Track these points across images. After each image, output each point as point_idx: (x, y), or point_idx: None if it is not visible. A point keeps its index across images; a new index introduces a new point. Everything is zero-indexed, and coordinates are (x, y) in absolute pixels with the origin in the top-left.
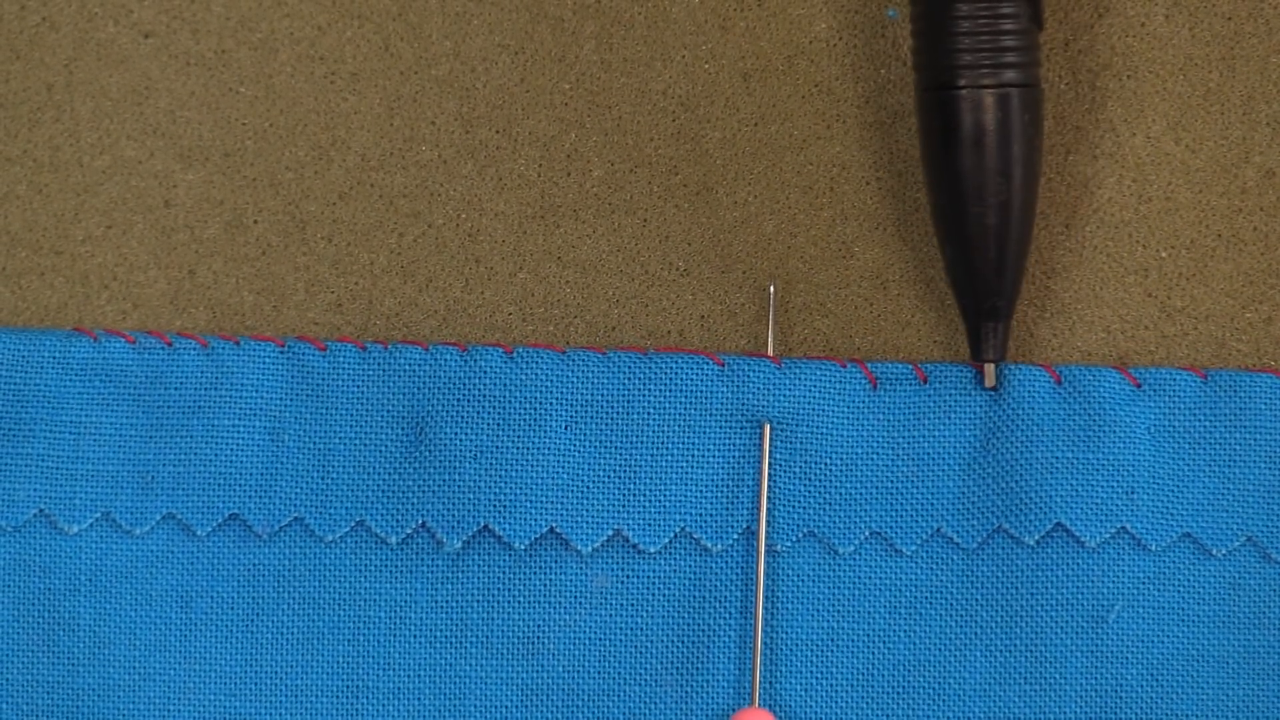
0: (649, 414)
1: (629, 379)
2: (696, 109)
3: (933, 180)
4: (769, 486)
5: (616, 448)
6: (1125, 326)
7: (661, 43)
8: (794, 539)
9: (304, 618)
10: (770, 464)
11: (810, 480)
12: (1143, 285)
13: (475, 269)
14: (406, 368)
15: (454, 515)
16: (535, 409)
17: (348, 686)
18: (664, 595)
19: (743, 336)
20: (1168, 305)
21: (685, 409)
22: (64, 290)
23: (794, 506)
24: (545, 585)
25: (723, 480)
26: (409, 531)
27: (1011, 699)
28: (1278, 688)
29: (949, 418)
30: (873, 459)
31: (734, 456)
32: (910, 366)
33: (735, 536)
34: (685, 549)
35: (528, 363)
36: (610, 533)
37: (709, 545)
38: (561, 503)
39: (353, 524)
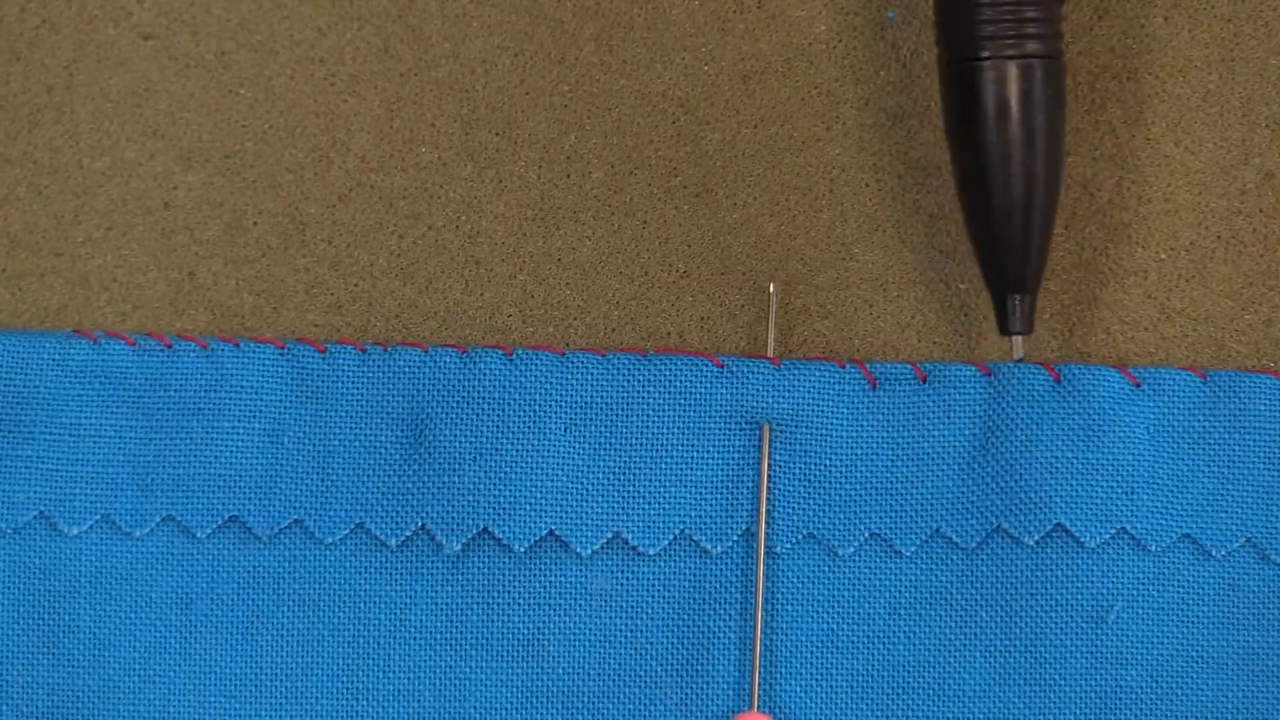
0: (648, 416)
1: (628, 381)
2: (696, 111)
3: (957, 152)
4: (768, 488)
5: (616, 449)
6: (1124, 328)
7: (661, 45)
8: (793, 540)
9: (303, 620)
10: (770, 465)
11: (810, 481)
12: (1142, 286)
13: (475, 271)
14: (406, 370)
15: (453, 517)
16: (535, 411)
17: (347, 689)
18: (663, 597)
19: (742, 338)
20: (1167, 307)
21: (685, 410)
22: (64, 292)
23: (793, 508)
24: (545, 587)
25: (722, 482)
26: (409, 534)
27: (1011, 700)
28: (1276, 688)
29: (948, 418)
30: (872, 460)
31: (733, 458)
32: (909, 367)
33: (735, 538)
34: (685, 551)
35: (527, 364)
36: (610, 535)
37: (708, 547)
38: (561, 505)
39: (352, 526)
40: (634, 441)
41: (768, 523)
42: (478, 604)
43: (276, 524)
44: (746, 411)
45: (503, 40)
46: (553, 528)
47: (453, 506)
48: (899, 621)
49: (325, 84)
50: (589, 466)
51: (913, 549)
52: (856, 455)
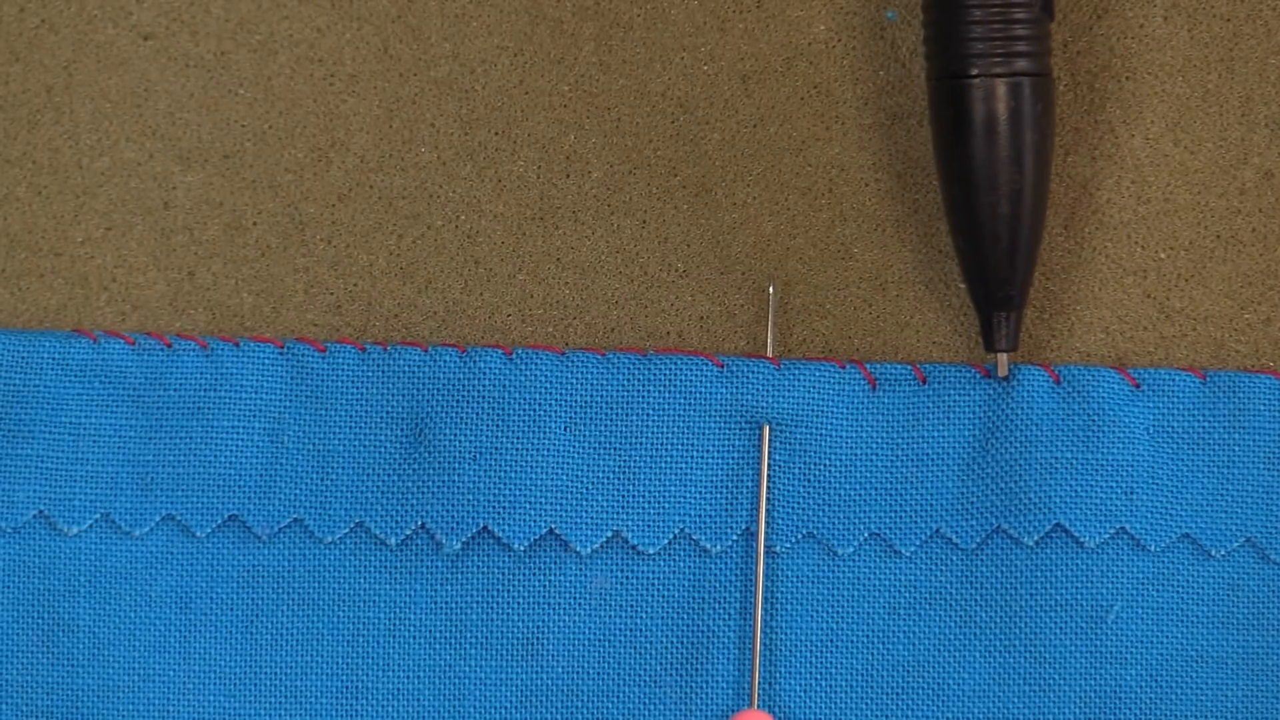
0: (648, 415)
1: (628, 380)
2: (695, 110)
3: (945, 170)
4: (768, 487)
5: (616, 449)
6: (1124, 327)
7: (660, 44)
8: (793, 540)
9: (303, 619)
10: (769, 465)
11: (809, 481)
12: (1141, 286)
13: (474, 270)
14: (406, 369)
15: (453, 516)
16: (534, 410)
17: (347, 687)
18: (663, 596)
19: (742, 338)
20: (1166, 306)
21: (684, 410)
22: (63, 292)
23: (793, 507)
24: (544, 586)
25: (722, 481)
26: (408, 533)
27: (1011, 699)
28: (1276, 688)
29: (948, 418)
30: (872, 460)
31: (733, 457)
32: (909, 367)
33: (734, 537)
34: (684, 550)
35: (527, 364)
36: (609, 534)
37: (708, 546)
38: (561, 504)
39: (352, 525)
40: (634, 441)
41: (767, 522)
42: (477, 603)
43: (276, 523)
44: (746, 411)
45: (502, 40)
46: (552, 526)
47: (452, 505)
48: (898, 621)
49: (324, 84)
50: (589, 466)
51: (912, 549)
52: (856, 455)
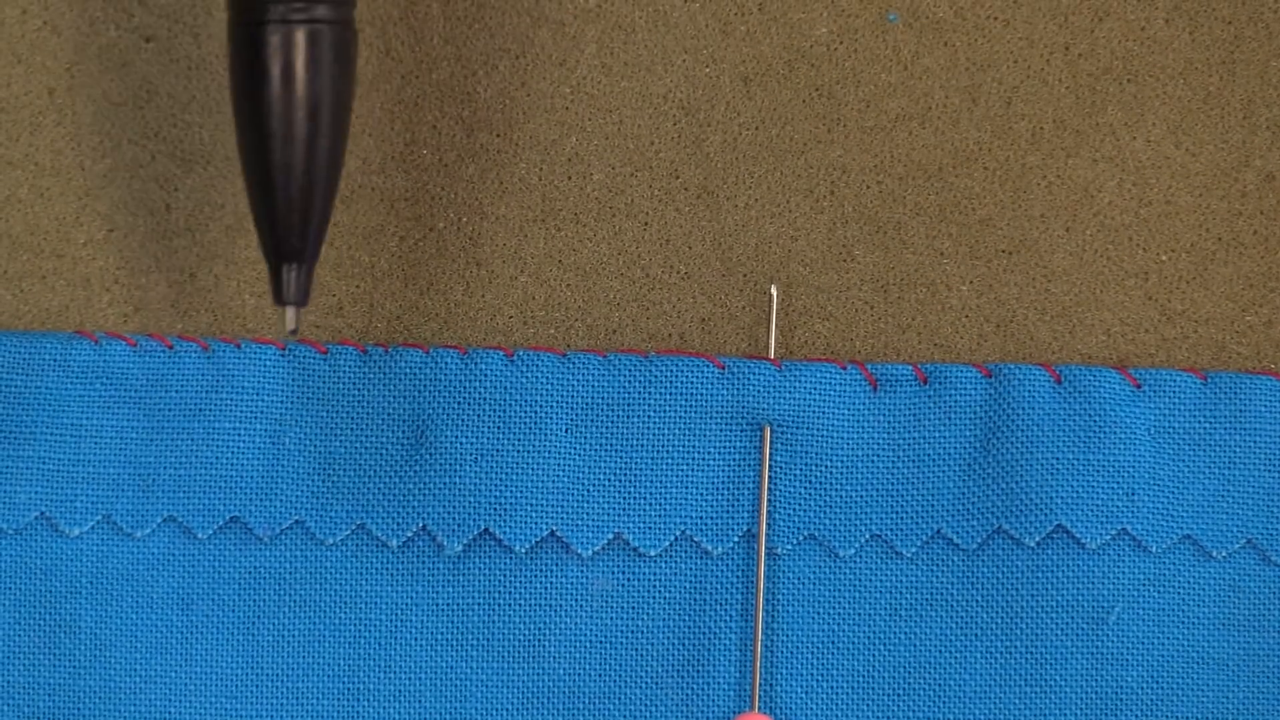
0: (649, 417)
1: (629, 382)
2: (697, 112)
3: (240, 117)
4: (769, 489)
5: (617, 450)
6: (1125, 329)
7: (662, 46)
8: (794, 541)
9: (304, 620)
10: (770, 466)
11: (810, 483)
12: (1143, 288)
13: (476, 272)
14: (407, 371)
15: (454, 518)
16: (536, 412)
17: (348, 689)
18: (664, 598)
19: (743, 339)
20: (1168, 308)
21: (686, 412)
22: (65, 293)
23: (794, 509)
24: (546, 588)
25: (723, 483)
26: (409, 534)
27: (1012, 701)
28: (1277, 690)
29: (949, 419)
30: (873, 461)
31: (734, 459)
32: (910, 368)
33: (735, 539)
34: (685, 552)
35: (528, 365)
36: (610, 535)
37: (709, 548)
38: (562, 505)
39: (353, 527)
40: (635, 442)
41: (768, 524)
42: (479, 604)
43: (277, 524)
44: (747, 413)
45: (504, 42)
46: (554, 528)
47: (454, 507)
48: (900, 622)
49: None
50: (590, 467)
51: (913, 550)
52: (857, 456)
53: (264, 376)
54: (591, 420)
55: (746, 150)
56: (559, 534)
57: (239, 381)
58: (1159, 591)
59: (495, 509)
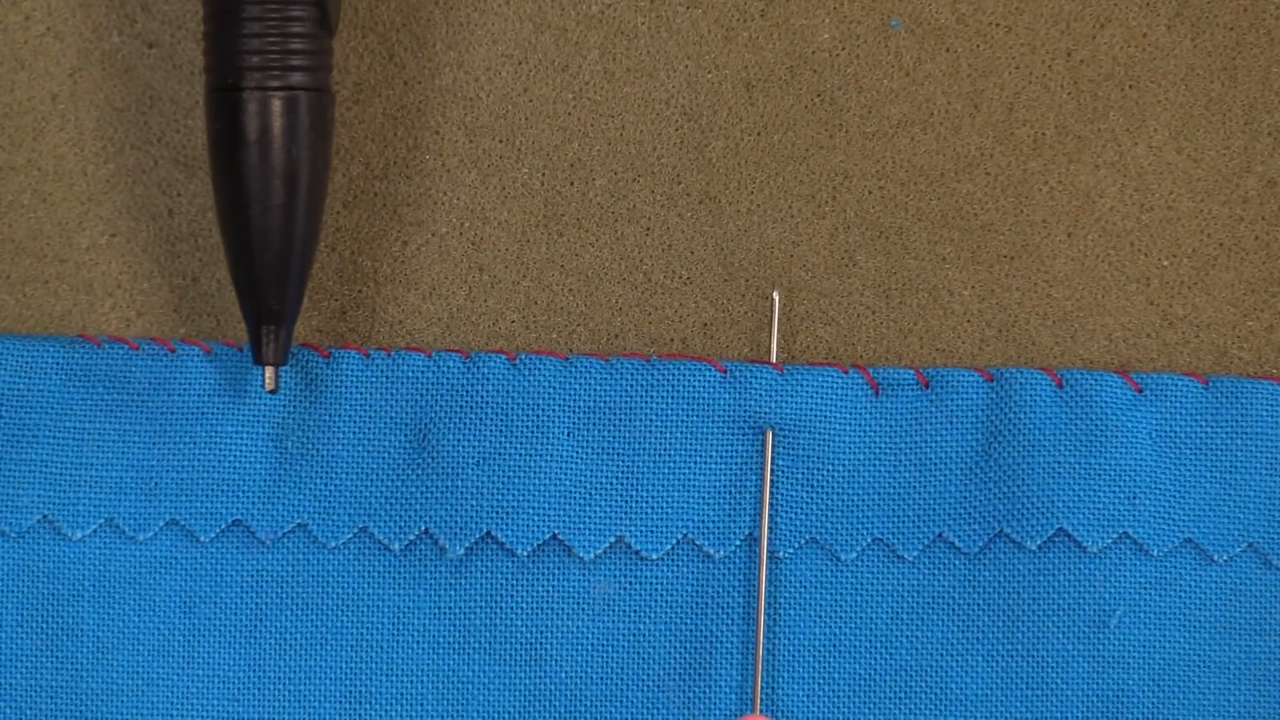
0: (651, 420)
1: (632, 386)
2: (700, 118)
3: (218, 182)
4: (771, 493)
5: (619, 454)
6: (1127, 334)
7: (665, 52)
8: (796, 545)
9: (307, 624)
10: (772, 470)
11: (812, 486)
12: (1144, 293)
13: (479, 277)
14: (410, 374)
15: (457, 521)
16: (538, 415)
17: (350, 693)
18: (666, 601)
19: (745, 344)
20: (1169, 313)
21: (688, 415)
22: (68, 298)
23: (796, 512)
24: (548, 591)
25: (725, 486)
26: (412, 538)
27: (1013, 704)
28: (1278, 693)
29: (951, 423)
30: (875, 465)
31: (736, 463)
32: (912, 372)
33: (737, 543)
34: (687, 555)
35: (530, 369)
36: (612, 539)
37: (711, 551)
38: (564, 509)
39: (356, 530)
40: (637, 446)
41: (770, 527)
42: (481, 607)
43: (280, 528)
44: (749, 416)
45: (506, 48)
46: (556, 531)
47: (456, 510)
48: (901, 626)
49: None
50: (592, 471)
51: (915, 553)
52: (859, 460)
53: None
54: (593, 424)
55: (749, 155)
56: (561, 537)
57: (241, 385)
58: (1160, 595)
59: (497, 512)
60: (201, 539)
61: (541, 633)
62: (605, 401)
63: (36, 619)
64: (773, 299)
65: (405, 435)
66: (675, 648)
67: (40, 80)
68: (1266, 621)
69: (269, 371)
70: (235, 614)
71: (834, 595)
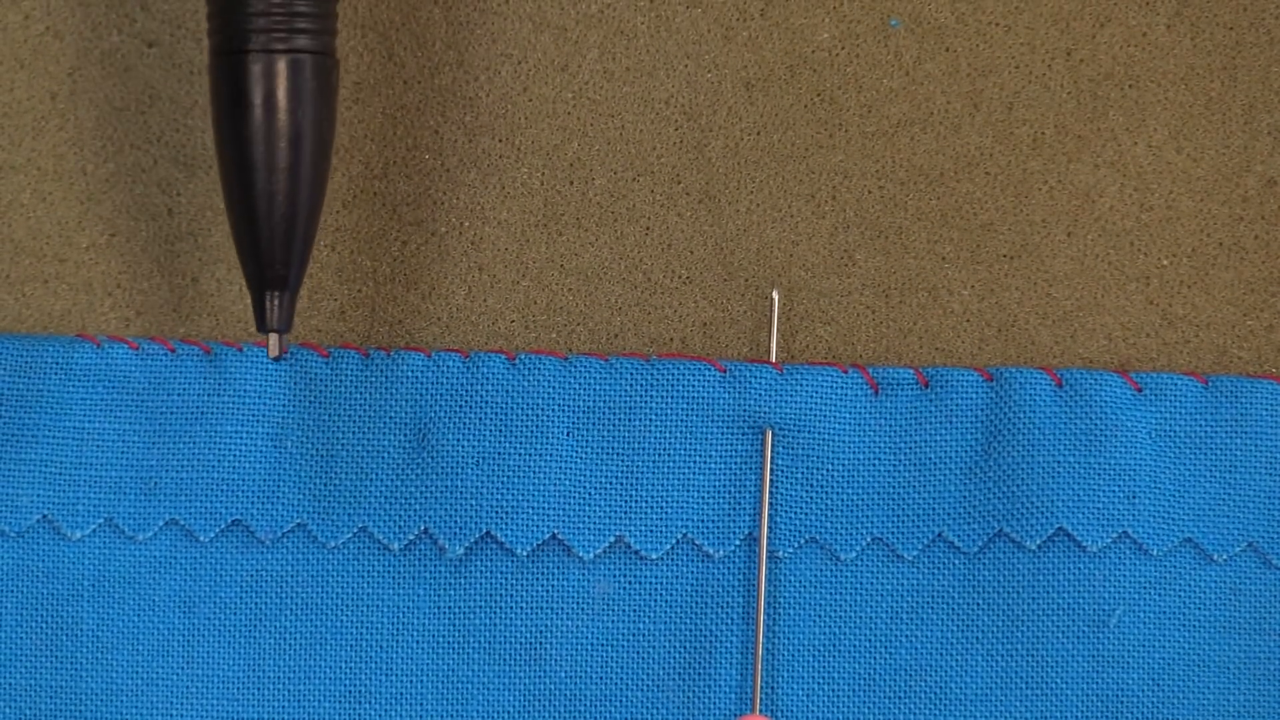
0: (651, 420)
1: (631, 385)
2: (699, 117)
3: (222, 146)
4: (770, 492)
5: (618, 454)
6: (1127, 334)
7: (664, 52)
8: (795, 545)
9: (306, 623)
10: (772, 470)
11: (812, 486)
12: (1144, 293)
13: (478, 276)
14: (409, 374)
15: (456, 521)
16: (537, 415)
17: (350, 692)
18: (666, 601)
19: (745, 344)
20: (1169, 313)
21: (687, 415)
22: (67, 297)
23: (795, 512)
24: (547, 591)
25: (724, 486)
26: (411, 537)
27: (1013, 704)
28: (1278, 693)
29: (950, 422)
30: (874, 464)
31: (736, 462)
32: (912, 372)
33: (737, 542)
34: (687, 555)
35: (530, 369)
36: (612, 539)
37: (711, 551)
38: (563, 509)
39: (355, 530)
40: (636, 446)
41: (770, 527)
42: (480, 607)
43: (279, 528)
44: (749, 416)
45: (506, 47)
46: (555, 531)
47: (455, 510)
48: (901, 625)
49: None
50: (592, 470)
51: (915, 553)
52: (859, 460)
53: (266, 380)
54: (593, 423)
55: (748, 155)
56: (560, 537)
57: (241, 385)
58: (1160, 594)
59: (497, 512)
60: (201, 539)
61: (541, 632)
62: (605, 401)
63: (36, 619)
64: (772, 299)
65: (404, 435)
66: (675, 647)
67: (39, 79)
68: (1266, 621)
69: (273, 338)
70: (235, 614)
71: (834, 595)
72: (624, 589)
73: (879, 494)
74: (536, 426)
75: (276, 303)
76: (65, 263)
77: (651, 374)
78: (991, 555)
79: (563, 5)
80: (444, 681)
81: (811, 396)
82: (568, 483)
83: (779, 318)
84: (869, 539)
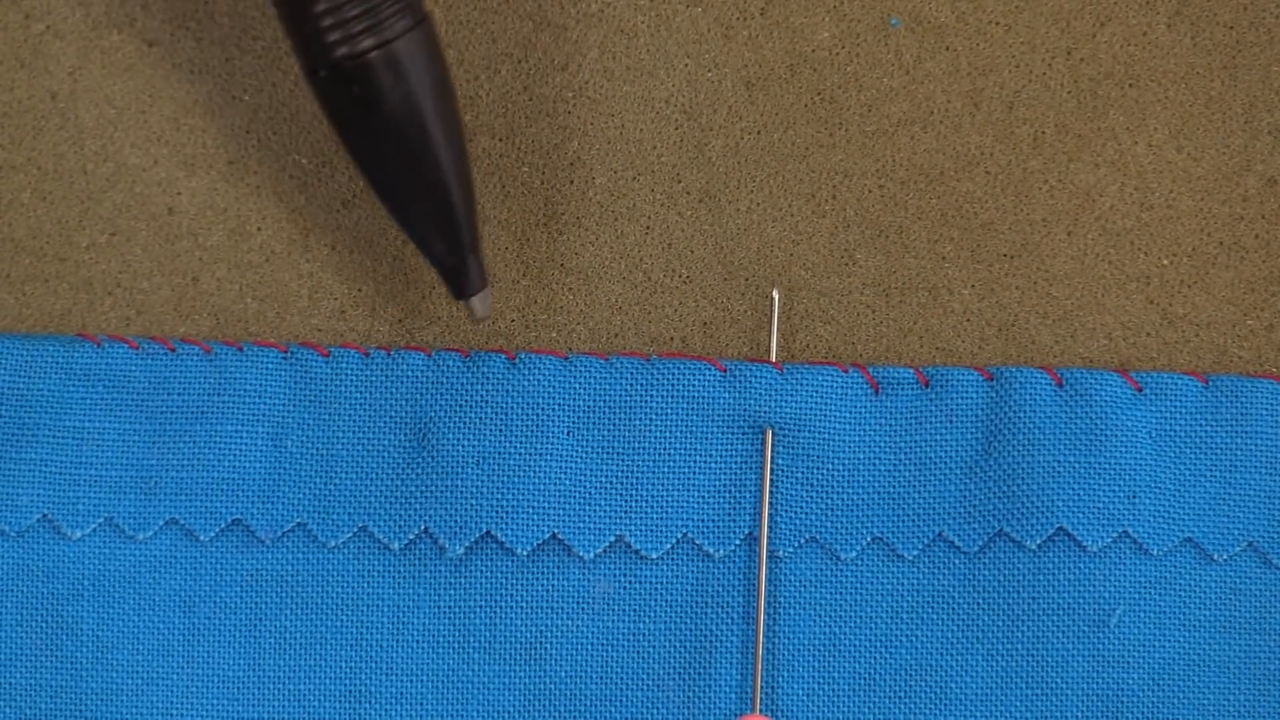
0: (651, 420)
1: (631, 385)
2: (699, 117)
3: (366, 154)
4: (771, 492)
5: (618, 453)
6: (1127, 333)
7: (664, 51)
8: (796, 544)
9: (306, 623)
10: (772, 469)
11: (812, 485)
12: (1144, 292)
13: None
14: (409, 373)
15: (456, 521)
16: (537, 414)
17: (350, 692)
18: (666, 601)
19: (745, 343)
20: (1169, 312)
21: (687, 415)
22: (68, 297)
23: (796, 512)
24: (547, 591)
25: (725, 486)
26: (411, 537)
27: (1013, 703)
28: (1278, 693)
29: (950, 422)
30: (874, 464)
31: (736, 462)
32: (912, 371)
33: (737, 542)
34: (687, 554)
35: (530, 368)
36: (612, 538)
37: (711, 551)
38: (564, 508)
39: (355, 529)
40: (637, 445)
41: (770, 526)
42: (480, 607)
43: (279, 527)
44: (749, 416)
45: (506, 46)
46: (555, 531)
47: (456, 510)
48: (901, 625)
49: None
50: (592, 470)
51: (915, 553)
52: (859, 459)
53: (266, 379)
54: (593, 423)
55: (748, 154)
56: (560, 536)
57: (241, 384)
58: (1160, 594)
59: (497, 511)
60: (201, 538)
61: (541, 632)
62: (605, 401)
63: (36, 619)
64: (772, 298)
65: (405, 434)
66: (675, 647)
67: (40, 78)
68: (1266, 621)
69: (482, 296)
70: (234, 613)
71: (834, 594)
72: (624, 589)
73: (879, 493)
74: (537, 426)
75: (476, 264)
76: (65, 262)
77: (651, 374)
78: (992, 555)
79: (563, 5)
80: (444, 681)
81: (812, 396)
82: (568, 482)
83: (779, 317)
84: (869, 539)
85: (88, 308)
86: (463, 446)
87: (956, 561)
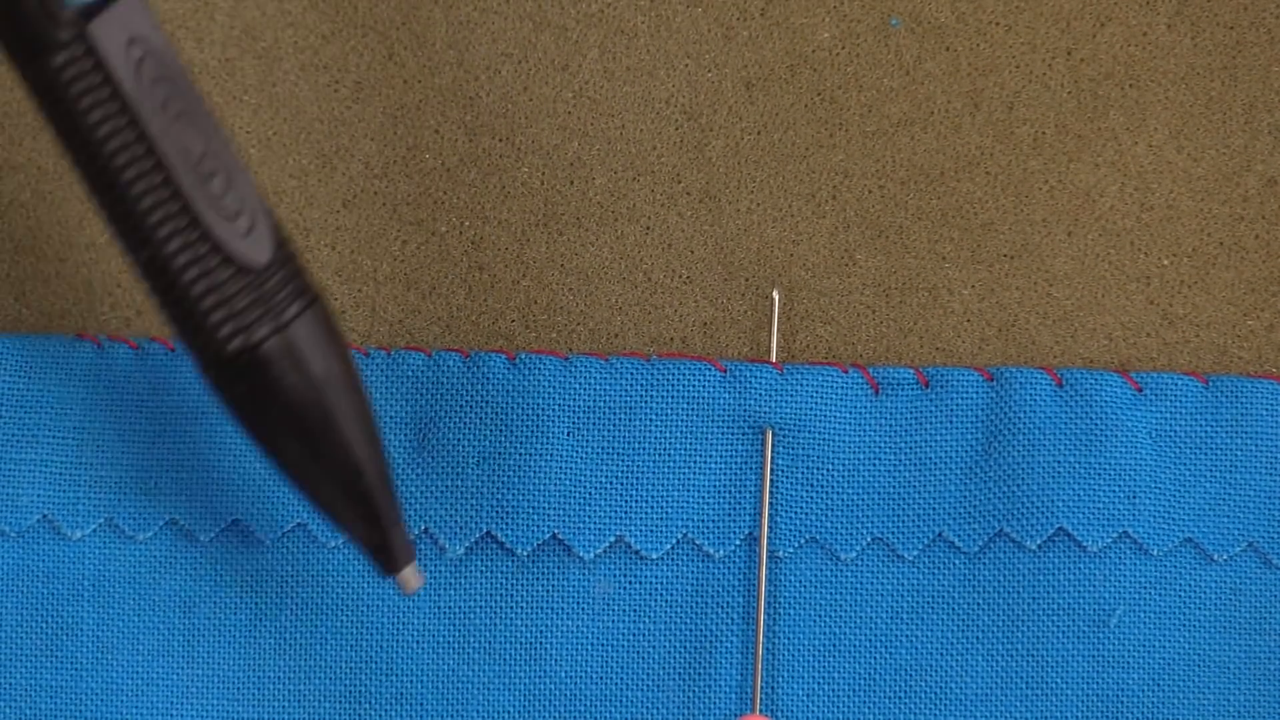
0: (651, 420)
1: (631, 385)
2: (699, 117)
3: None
4: (771, 492)
5: (619, 454)
6: (1127, 334)
7: (664, 51)
8: (796, 545)
9: (306, 623)
10: (772, 470)
11: (812, 486)
12: (1144, 293)
13: (478, 276)
14: (409, 373)
15: (456, 521)
16: (538, 415)
17: (350, 692)
18: (666, 601)
19: (745, 343)
20: (1169, 313)
21: (687, 415)
22: (68, 297)
23: (796, 512)
24: (548, 591)
25: (725, 486)
26: (411, 537)
27: (1013, 704)
28: (1278, 693)
29: (950, 423)
30: (875, 464)
31: (736, 462)
32: (912, 371)
33: (737, 542)
34: (687, 555)
35: (530, 369)
36: (612, 539)
37: (711, 551)
38: (564, 509)
39: None
40: (637, 446)
41: (770, 527)
42: (481, 607)
43: (280, 527)
44: (749, 416)
45: (506, 47)
46: (556, 531)
47: (456, 510)
48: (901, 625)
49: (329, 90)
50: (592, 470)
51: (915, 553)
52: (859, 460)
53: None
54: (593, 423)
55: (748, 154)
56: (561, 537)
57: None
58: (1160, 594)
59: (497, 512)
60: (201, 539)
61: (541, 632)
62: (605, 401)
63: (36, 619)
64: (773, 298)
65: (405, 435)
66: (675, 647)
67: None
68: (1266, 621)
69: (409, 570)
70: (235, 614)
71: (834, 594)
72: (624, 589)
73: (879, 494)
74: (537, 426)
75: (400, 535)
76: (65, 262)
77: (652, 374)
78: (992, 555)
79: (563, 5)
80: (444, 682)
81: (812, 396)
82: (568, 483)
83: (779, 317)
84: (869, 539)
85: (87, 308)
86: (463, 447)
87: (956, 562)
